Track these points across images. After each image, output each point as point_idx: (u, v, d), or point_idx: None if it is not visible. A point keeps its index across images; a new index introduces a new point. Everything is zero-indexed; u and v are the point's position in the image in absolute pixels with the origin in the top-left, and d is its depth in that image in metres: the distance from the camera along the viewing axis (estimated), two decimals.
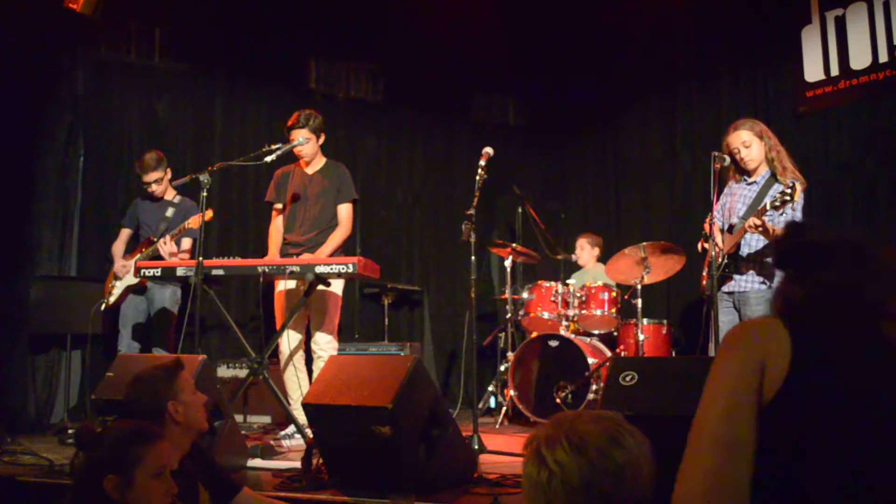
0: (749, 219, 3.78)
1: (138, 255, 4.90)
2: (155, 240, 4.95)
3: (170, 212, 5.06)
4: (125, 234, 5.18)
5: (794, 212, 3.81)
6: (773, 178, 4.00)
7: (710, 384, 1.35)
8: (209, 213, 4.54)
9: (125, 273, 4.95)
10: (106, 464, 1.83)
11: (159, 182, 5.04)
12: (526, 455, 1.31)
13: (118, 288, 5.00)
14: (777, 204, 3.62)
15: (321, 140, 4.52)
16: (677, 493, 1.30)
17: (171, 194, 5.13)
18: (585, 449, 1.25)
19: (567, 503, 1.24)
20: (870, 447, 1.28)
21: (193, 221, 4.67)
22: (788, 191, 3.59)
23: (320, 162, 4.57)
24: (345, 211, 4.49)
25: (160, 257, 4.77)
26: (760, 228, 3.74)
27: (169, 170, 5.10)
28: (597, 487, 1.24)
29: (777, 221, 3.83)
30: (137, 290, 4.99)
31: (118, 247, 5.14)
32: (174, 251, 4.79)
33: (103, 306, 4.99)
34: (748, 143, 4.02)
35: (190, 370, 2.61)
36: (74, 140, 5.68)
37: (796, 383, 1.29)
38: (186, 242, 5.03)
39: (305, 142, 4.39)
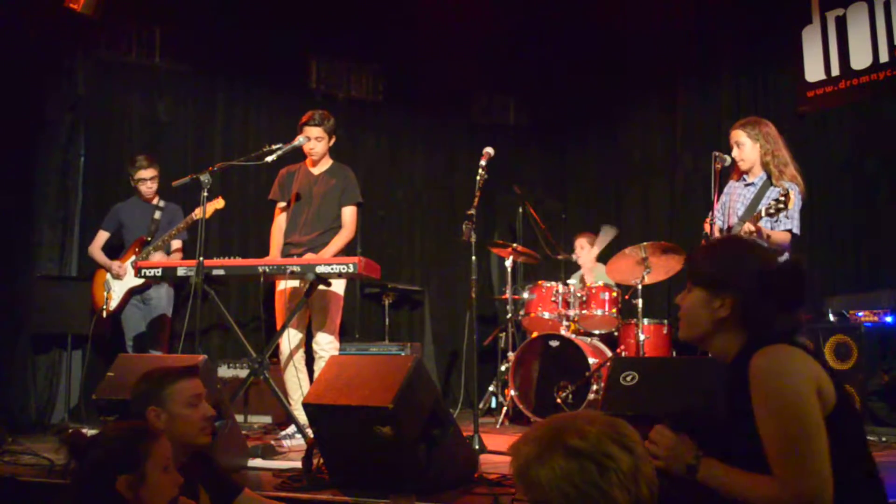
0: (744, 225, 3.78)
1: (133, 257, 4.90)
2: (149, 240, 4.96)
3: (157, 214, 5.10)
4: (103, 236, 5.14)
5: (790, 218, 3.80)
6: (770, 180, 4.00)
7: (794, 408, 1.60)
8: (220, 202, 4.79)
9: (125, 274, 4.94)
10: (117, 465, 1.84)
11: (154, 180, 5.07)
12: (542, 456, 1.26)
13: (117, 291, 4.97)
14: (772, 211, 3.62)
15: (332, 142, 4.52)
16: (798, 496, 1.57)
17: (155, 199, 5.18)
18: (622, 438, 1.27)
19: (625, 491, 1.24)
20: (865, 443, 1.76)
21: (199, 212, 4.70)
22: (782, 198, 3.59)
23: (327, 163, 4.57)
24: (349, 214, 4.49)
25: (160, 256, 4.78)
26: (755, 234, 3.74)
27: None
28: (642, 474, 1.26)
29: (773, 226, 3.83)
30: (139, 290, 4.98)
31: (98, 251, 5.10)
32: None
33: (104, 313, 4.95)
34: (741, 143, 4.04)
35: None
36: (75, 140, 5.69)
37: (843, 403, 1.65)
38: (177, 243, 5.11)
39: (306, 141, 4.39)
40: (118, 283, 4.99)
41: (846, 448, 1.63)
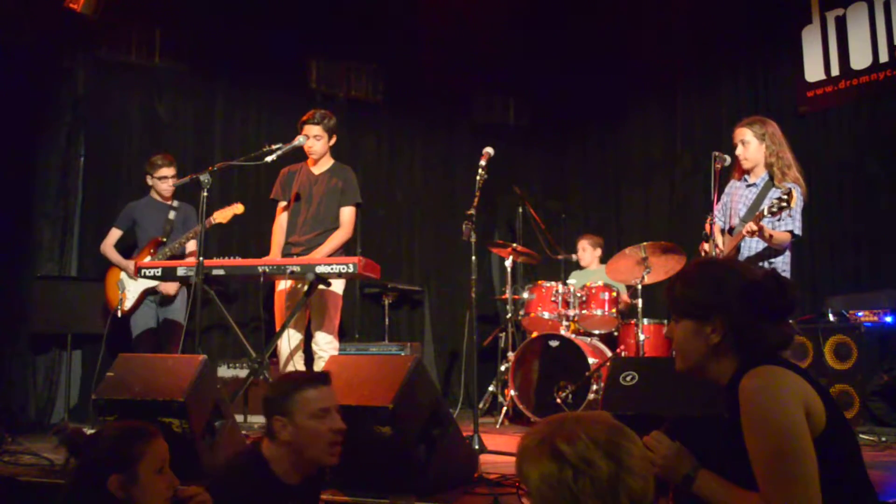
0: (747, 224, 3.78)
1: (148, 257, 4.88)
2: (164, 240, 4.95)
3: (172, 214, 5.08)
4: (116, 235, 5.08)
5: (791, 218, 3.80)
6: (772, 181, 3.99)
7: (780, 429, 1.60)
8: (240, 208, 4.87)
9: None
10: (108, 464, 1.84)
11: (174, 179, 5.04)
12: (534, 453, 1.28)
13: (132, 291, 4.91)
14: (774, 210, 3.61)
15: (332, 141, 4.52)
16: None
17: (170, 199, 5.16)
18: (613, 448, 1.25)
19: (599, 500, 1.22)
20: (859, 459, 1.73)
21: (217, 216, 4.79)
22: (785, 197, 3.58)
23: (328, 163, 4.57)
24: (347, 214, 4.48)
25: (175, 257, 4.77)
26: (757, 233, 3.73)
27: None
28: (624, 486, 1.23)
29: (775, 226, 3.83)
30: (154, 291, 4.95)
31: (111, 249, 5.04)
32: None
33: (119, 313, 4.88)
34: (747, 142, 4.01)
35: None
36: (75, 140, 5.69)
37: (835, 423, 1.65)
38: (192, 246, 5.07)
39: (306, 140, 4.39)
40: (133, 284, 4.91)
41: (838, 470, 1.62)
